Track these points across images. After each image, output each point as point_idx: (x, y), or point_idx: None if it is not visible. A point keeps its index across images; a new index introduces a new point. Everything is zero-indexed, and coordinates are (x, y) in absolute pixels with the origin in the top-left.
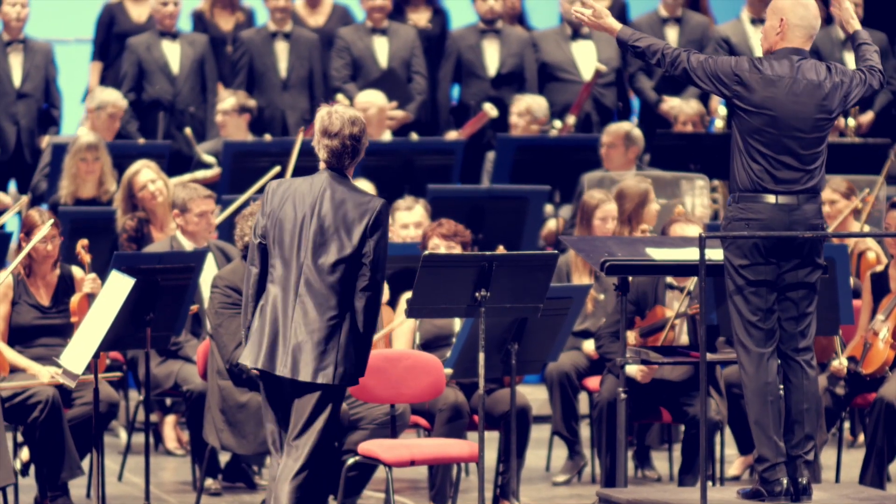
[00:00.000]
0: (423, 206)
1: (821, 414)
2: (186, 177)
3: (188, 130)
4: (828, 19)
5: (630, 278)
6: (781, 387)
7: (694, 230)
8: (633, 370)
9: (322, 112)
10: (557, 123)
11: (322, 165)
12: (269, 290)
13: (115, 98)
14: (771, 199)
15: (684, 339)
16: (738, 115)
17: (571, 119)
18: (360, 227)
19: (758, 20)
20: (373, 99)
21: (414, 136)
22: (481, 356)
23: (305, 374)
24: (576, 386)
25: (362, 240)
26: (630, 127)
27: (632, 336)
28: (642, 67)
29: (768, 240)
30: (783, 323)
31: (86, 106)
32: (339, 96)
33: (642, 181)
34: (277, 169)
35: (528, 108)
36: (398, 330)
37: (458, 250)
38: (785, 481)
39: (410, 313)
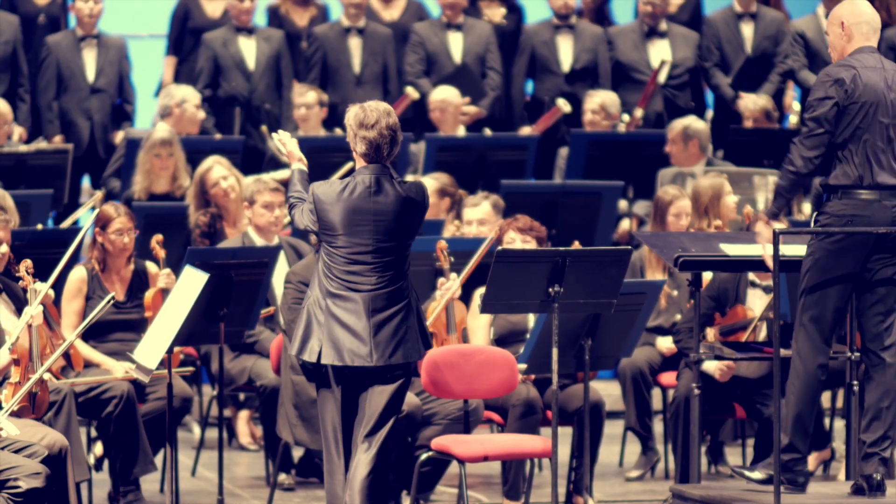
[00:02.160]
0: (491, 202)
1: None
2: (264, 176)
3: (264, 128)
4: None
5: (711, 274)
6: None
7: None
8: (711, 367)
9: (354, 108)
10: (625, 117)
11: (360, 162)
12: None
13: (192, 92)
14: (872, 195)
15: (763, 336)
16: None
17: (639, 112)
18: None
19: None
20: (448, 96)
21: (487, 132)
22: (555, 352)
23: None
24: (649, 382)
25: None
26: (689, 122)
27: (711, 333)
28: (718, 63)
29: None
30: (868, 319)
31: (162, 102)
32: (409, 89)
33: (717, 176)
34: (350, 164)
35: (602, 104)
36: (475, 325)
37: (532, 245)
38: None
39: (484, 309)
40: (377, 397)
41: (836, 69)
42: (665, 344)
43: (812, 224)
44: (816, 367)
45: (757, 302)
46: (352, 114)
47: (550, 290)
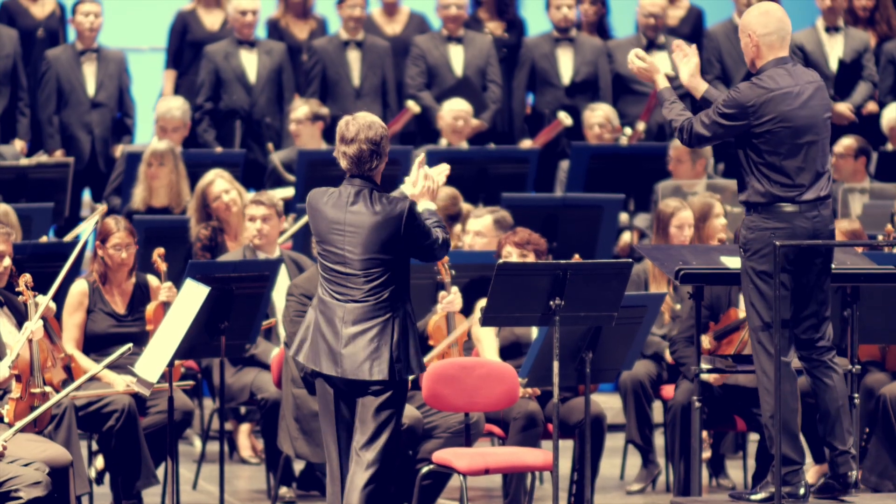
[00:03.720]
0: (495, 217)
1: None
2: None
3: (270, 146)
4: None
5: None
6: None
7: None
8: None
9: (341, 122)
10: (628, 130)
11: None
12: None
13: (174, 105)
14: (792, 207)
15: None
16: (754, 136)
17: (641, 126)
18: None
19: (832, 28)
20: (465, 109)
21: (492, 146)
22: (556, 365)
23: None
24: (650, 395)
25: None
26: None
27: (706, 340)
28: (719, 76)
29: (794, 248)
30: (805, 328)
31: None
32: (410, 103)
33: (709, 196)
34: None
35: (606, 117)
36: (485, 339)
37: (531, 258)
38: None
39: (485, 322)
40: (364, 410)
41: (755, 90)
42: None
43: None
44: (784, 372)
45: None
46: (338, 127)
47: (551, 303)
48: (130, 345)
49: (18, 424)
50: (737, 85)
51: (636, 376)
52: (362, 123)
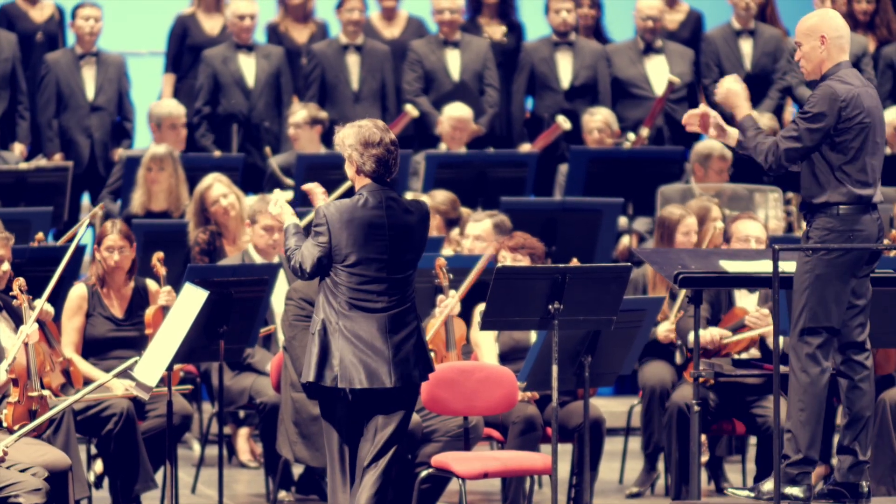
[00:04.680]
0: (494, 221)
1: None
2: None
3: (268, 150)
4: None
5: None
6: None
7: (756, 227)
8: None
9: (351, 128)
10: (631, 136)
11: (362, 181)
12: None
13: (170, 108)
14: (866, 210)
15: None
16: (839, 133)
17: (645, 132)
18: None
19: None
20: (465, 115)
21: (491, 150)
22: (555, 369)
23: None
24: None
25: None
26: (711, 148)
27: (709, 335)
28: (717, 80)
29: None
30: (852, 330)
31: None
32: (408, 106)
33: (707, 200)
34: (349, 184)
35: (606, 121)
36: (481, 339)
37: (525, 262)
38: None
39: (484, 326)
40: (385, 423)
41: (840, 86)
42: (662, 329)
43: (804, 240)
44: (820, 377)
45: (745, 301)
46: (351, 133)
47: (550, 307)
48: (137, 358)
49: (21, 431)
50: (814, 92)
51: (663, 384)
52: (381, 127)
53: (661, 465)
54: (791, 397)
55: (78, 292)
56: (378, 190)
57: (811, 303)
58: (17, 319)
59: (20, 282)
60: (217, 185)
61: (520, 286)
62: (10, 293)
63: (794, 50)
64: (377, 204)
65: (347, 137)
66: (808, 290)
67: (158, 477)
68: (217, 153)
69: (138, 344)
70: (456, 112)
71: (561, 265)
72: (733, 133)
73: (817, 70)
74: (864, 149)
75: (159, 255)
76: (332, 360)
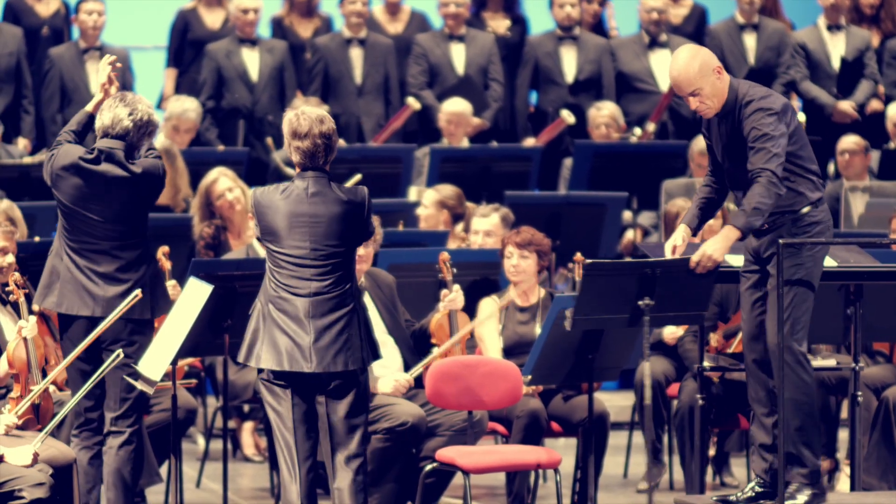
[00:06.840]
0: (500, 215)
1: None
2: None
3: (269, 140)
4: None
5: None
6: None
7: None
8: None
9: (289, 115)
10: (637, 131)
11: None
12: None
13: (181, 110)
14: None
15: None
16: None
17: (651, 126)
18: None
19: (834, 26)
20: (464, 109)
21: (495, 144)
22: (647, 365)
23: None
24: (665, 395)
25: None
26: None
27: (714, 339)
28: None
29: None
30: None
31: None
32: (410, 99)
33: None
34: (358, 177)
35: (612, 115)
36: (488, 337)
37: (532, 259)
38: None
39: (575, 325)
40: (334, 415)
41: (772, 90)
42: (668, 330)
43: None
44: (814, 373)
45: None
46: (285, 122)
47: (640, 303)
48: (119, 352)
49: (46, 429)
50: (759, 100)
51: (655, 376)
52: (314, 118)
53: (664, 458)
54: (787, 411)
55: None
56: (310, 178)
57: (800, 298)
58: (20, 312)
59: (16, 276)
60: (222, 179)
61: (609, 282)
62: (7, 288)
63: (797, 45)
64: (302, 192)
65: (283, 126)
66: (795, 286)
67: (163, 471)
68: (221, 147)
69: None
70: (452, 107)
71: (651, 259)
72: (732, 236)
73: (722, 99)
74: (806, 147)
75: (164, 249)
76: (259, 341)
